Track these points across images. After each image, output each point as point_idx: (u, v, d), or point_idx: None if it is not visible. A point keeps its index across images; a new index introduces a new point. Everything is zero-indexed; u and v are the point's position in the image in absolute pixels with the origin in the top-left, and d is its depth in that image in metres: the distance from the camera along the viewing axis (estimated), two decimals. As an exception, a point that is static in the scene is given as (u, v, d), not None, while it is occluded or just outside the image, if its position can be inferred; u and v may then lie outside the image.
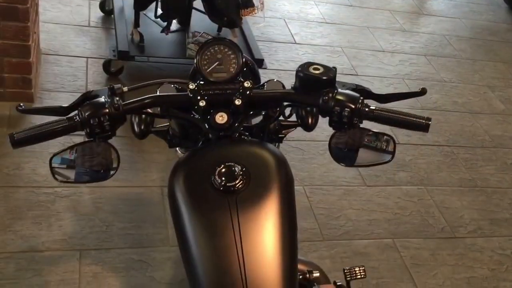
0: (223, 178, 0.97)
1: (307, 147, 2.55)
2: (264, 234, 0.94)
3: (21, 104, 1.06)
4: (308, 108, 1.14)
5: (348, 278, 1.27)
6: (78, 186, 2.06)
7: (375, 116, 1.07)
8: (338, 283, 1.19)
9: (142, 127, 1.13)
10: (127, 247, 1.90)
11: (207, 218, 0.96)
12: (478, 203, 2.48)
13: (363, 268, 1.37)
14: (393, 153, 1.17)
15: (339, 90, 1.07)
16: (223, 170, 0.98)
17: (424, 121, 1.06)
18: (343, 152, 1.16)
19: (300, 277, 1.18)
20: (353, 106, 1.04)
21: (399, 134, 2.73)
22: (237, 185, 0.96)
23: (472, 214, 2.42)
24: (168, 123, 1.25)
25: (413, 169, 2.58)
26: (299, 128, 1.20)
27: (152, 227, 1.99)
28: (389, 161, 1.18)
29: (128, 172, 2.19)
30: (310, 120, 1.15)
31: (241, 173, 0.97)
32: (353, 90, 1.10)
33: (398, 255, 2.14)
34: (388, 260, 2.12)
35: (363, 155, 1.18)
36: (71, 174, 1.07)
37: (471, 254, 2.23)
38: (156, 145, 2.32)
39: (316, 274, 1.19)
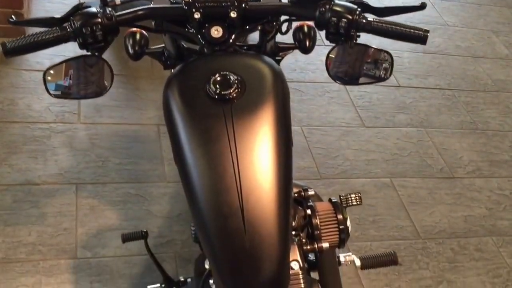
0: (218, 86, 0.95)
1: (306, 88, 2.51)
2: (259, 143, 0.93)
3: (12, 16, 1.03)
4: (306, 30, 1.10)
5: (344, 205, 1.26)
6: (73, 122, 2.04)
7: (372, 28, 1.04)
8: (333, 200, 1.19)
9: (137, 48, 1.10)
10: (123, 182, 1.90)
11: (201, 125, 0.95)
12: (478, 145, 2.46)
13: (359, 195, 1.36)
14: (390, 70, 1.14)
15: (336, 1, 1.04)
16: (218, 78, 0.96)
17: (422, 33, 1.04)
18: (340, 69, 1.14)
19: (296, 195, 1.17)
20: (350, 17, 1.02)
21: (400, 78, 2.68)
22: (232, 94, 0.95)
23: (472, 155, 2.40)
24: (163, 44, 1.23)
25: (413, 111, 2.55)
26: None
27: (148, 163, 1.99)
28: (387, 78, 1.15)
29: (124, 109, 2.16)
30: (307, 42, 1.12)
31: (236, 81, 0.96)
32: (351, 2, 1.07)
33: (396, 194, 2.14)
34: (385, 198, 2.12)
35: (360, 72, 1.15)
36: (64, 89, 1.06)
37: (469, 194, 2.22)
38: (152, 83, 2.30)
39: (311, 192, 1.18)
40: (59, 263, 1.61)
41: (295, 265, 1.01)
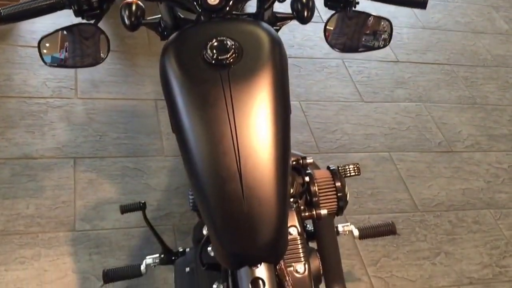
0: (215, 51, 0.94)
1: (304, 64, 2.49)
2: (256, 108, 0.92)
3: None
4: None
5: (342, 175, 1.26)
6: (70, 97, 2.03)
7: None
8: (331, 168, 1.18)
9: (133, 18, 1.08)
10: (121, 156, 1.90)
11: (198, 90, 0.94)
12: (476, 119, 2.46)
13: (358, 165, 1.36)
14: (389, 38, 1.13)
15: None
16: (215, 43, 0.95)
17: None
18: (339, 37, 1.12)
19: (294, 163, 1.17)
20: None
21: (399, 53, 2.67)
22: (229, 59, 0.93)
23: (470, 129, 2.40)
24: (159, 15, 1.21)
25: (411, 86, 2.54)
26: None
27: (146, 138, 1.98)
28: (386, 45, 1.14)
29: (121, 85, 2.15)
30: (305, 12, 1.10)
31: (233, 47, 0.94)
32: None
33: (394, 167, 2.14)
34: (383, 172, 2.12)
35: (359, 39, 1.14)
36: (60, 58, 1.05)
37: (468, 167, 2.23)
38: (149, 60, 2.28)
39: (310, 160, 1.18)
40: (58, 235, 1.62)
41: (293, 231, 1.01)
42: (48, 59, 1.05)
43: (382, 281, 1.76)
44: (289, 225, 1.00)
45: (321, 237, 1.36)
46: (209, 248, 1.03)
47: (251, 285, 0.86)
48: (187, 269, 1.25)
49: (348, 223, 1.44)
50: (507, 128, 2.45)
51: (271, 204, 0.88)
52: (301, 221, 1.06)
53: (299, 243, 0.99)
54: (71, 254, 1.58)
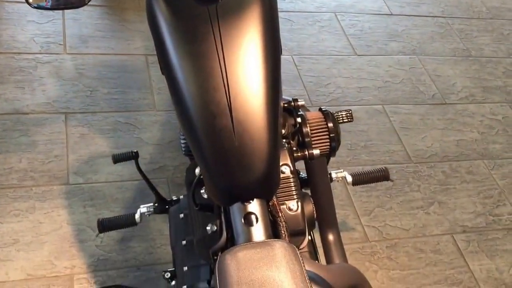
0: None
1: (296, 18, 2.45)
2: (245, 43, 0.90)
3: None
4: None
5: (334, 116, 1.25)
6: (59, 53, 2.00)
7: None
8: (323, 109, 1.17)
9: None
10: (113, 110, 1.88)
11: (186, 26, 0.92)
12: (471, 71, 2.44)
13: (350, 111, 1.35)
14: None
15: None
16: None
17: None
18: None
19: (285, 105, 1.16)
20: None
21: (392, 6, 2.62)
22: None
23: (465, 82, 2.38)
24: None
25: (405, 39, 2.51)
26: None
27: (137, 92, 1.96)
28: None
29: (110, 40, 2.11)
30: None
31: None
32: None
33: (387, 120, 2.14)
34: (377, 124, 2.11)
35: None
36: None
37: (462, 119, 2.22)
38: (139, 15, 2.23)
39: (302, 102, 1.17)
40: (52, 188, 1.61)
41: (286, 169, 1.00)
42: (32, 1, 1.02)
43: (375, 230, 1.78)
44: (281, 163, 0.99)
45: (314, 183, 1.36)
46: (202, 191, 1.03)
47: (244, 220, 0.86)
48: (181, 215, 1.25)
49: (341, 170, 1.43)
50: (502, 80, 2.44)
51: (263, 139, 0.87)
52: (294, 161, 1.05)
53: (291, 181, 0.98)
54: (66, 207, 1.58)
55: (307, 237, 0.99)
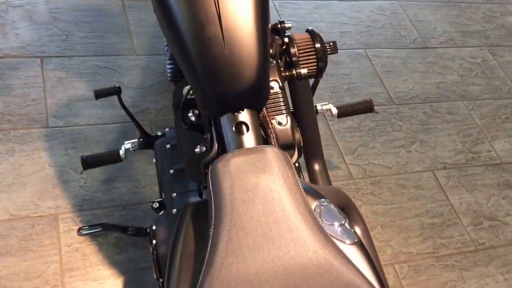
0: None
1: (276, -37, 2.40)
2: None
3: None
4: None
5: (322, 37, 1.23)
6: (31, -4, 1.92)
7: None
8: (310, 30, 1.16)
9: None
10: (91, 55, 1.82)
11: None
12: (451, 16, 2.44)
13: (335, 43, 1.33)
14: None
15: None
16: None
17: None
18: None
19: (272, 26, 1.14)
20: None
21: (373, -48, 2.59)
22: None
23: (445, 26, 2.39)
24: None
25: (386, -15, 2.48)
26: None
27: (115, 36, 1.90)
28: None
29: (85, -16, 2.04)
30: None
31: None
32: None
33: (370, 63, 2.13)
34: (359, 68, 2.10)
35: None
36: None
37: (442, 62, 2.23)
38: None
39: (289, 24, 1.15)
40: (31, 131, 1.57)
41: (274, 85, 0.99)
42: None
43: (359, 168, 1.79)
44: (270, 79, 0.98)
45: (301, 116, 1.35)
46: (190, 114, 1.01)
47: (234, 128, 0.85)
48: (168, 145, 1.24)
49: (327, 102, 1.43)
50: (481, 25, 2.45)
51: (252, 48, 0.85)
52: (282, 79, 1.04)
53: (280, 96, 0.97)
54: (46, 149, 1.55)
55: (296, 154, 0.99)
